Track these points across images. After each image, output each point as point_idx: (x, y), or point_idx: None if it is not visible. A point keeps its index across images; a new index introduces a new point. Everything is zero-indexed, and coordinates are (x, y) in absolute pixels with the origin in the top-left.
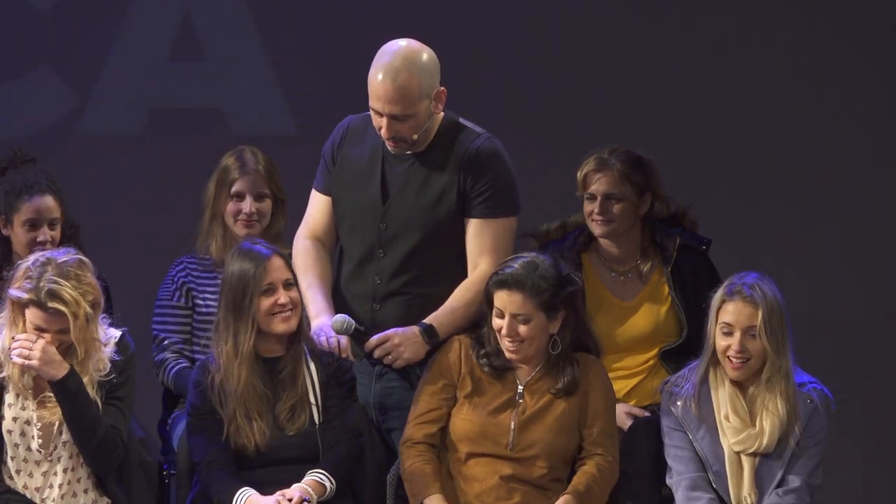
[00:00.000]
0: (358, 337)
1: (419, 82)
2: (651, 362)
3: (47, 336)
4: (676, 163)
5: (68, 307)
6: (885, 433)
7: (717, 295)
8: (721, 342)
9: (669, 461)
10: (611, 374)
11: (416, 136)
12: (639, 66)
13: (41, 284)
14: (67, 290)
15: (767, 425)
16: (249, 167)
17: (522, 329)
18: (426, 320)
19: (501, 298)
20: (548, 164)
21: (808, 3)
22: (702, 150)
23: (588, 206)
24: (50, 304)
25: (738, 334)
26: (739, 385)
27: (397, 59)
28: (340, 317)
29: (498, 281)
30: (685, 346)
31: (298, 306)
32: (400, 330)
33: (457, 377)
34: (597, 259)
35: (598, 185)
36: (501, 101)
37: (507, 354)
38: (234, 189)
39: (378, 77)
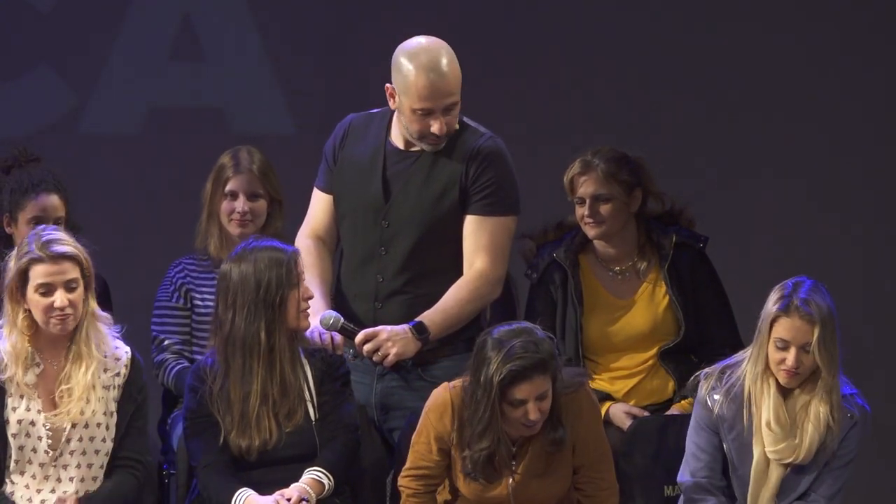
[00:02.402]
0: (347, 333)
1: (458, 67)
2: (650, 362)
3: (59, 297)
4: (675, 161)
5: (76, 248)
6: (885, 433)
7: (771, 307)
8: (775, 355)
9: (687, 455)
10: (609, 374)
11: (456, 125)
12: (638, 67)
13: (38, 244)
14: (68, 240)
15: (808, 438)
16: (244, 166)
17: (544, 405)
18: (418, 318)
19: (524, 390)
20: (546, 166)
21: (809, 3)
22: (701, 149)
23: (578, 210)
24: (52, 250)
25: (793, 350)
26: (784, 393)
27: (436, 51)
28: (329, 313)
29: (516, 375)
30: (683, 344)
31: None
32: (389, 326)
33: (450, 444)
34: (594, 258)
35: (585, 188)
36: (501, 102)
37: (526, 433)
38: (227, 188)
39: (429, 76)
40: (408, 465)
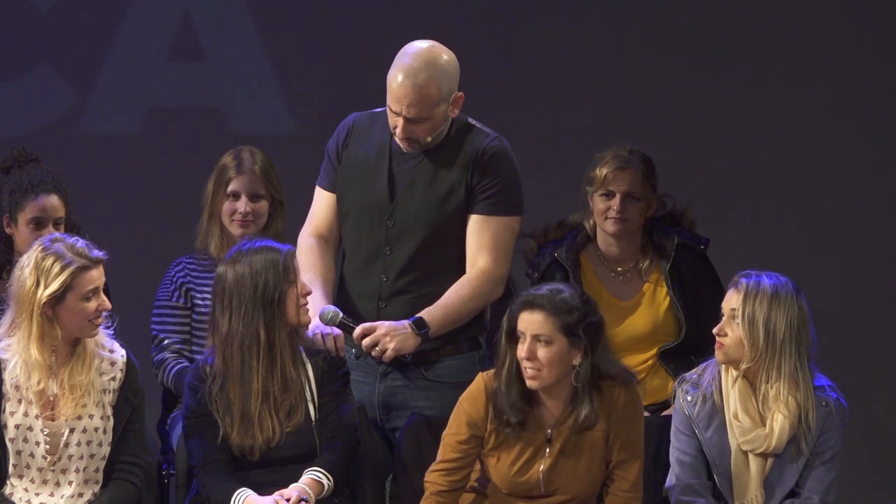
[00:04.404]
0: (346, 327)
1: (438, 86)
2: (650, 362)
3: (104, 300)
4: (676, 162)
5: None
6: (883, 434)
7: None
8: None
9: (672, 464)
10: None
11: (430, 139)
12: (640, 69)
13: (73, 252)
14: (90, 244)
15: (777, 425)
16: (246, 167)
17: (542, 352)
18: (419, 313)
19: (524, 320)
20: (548, 165)
21: (807, 5)
22: (701, 150)
23: (603, 204)
24: (95, 254)
25: (725, 318)
26: (751, 384)
27: (418, 60)
28: (328, 307)
29: (521, 302)
30: (684, 345)
31: None
32: (388, 321)
33: (484, 431)
34: (595, 258)
35: (620, 184)
36: (503, 103)
37: (528, 382)
38: (229, 188)
39: (398, 78)
40: (437, 460)
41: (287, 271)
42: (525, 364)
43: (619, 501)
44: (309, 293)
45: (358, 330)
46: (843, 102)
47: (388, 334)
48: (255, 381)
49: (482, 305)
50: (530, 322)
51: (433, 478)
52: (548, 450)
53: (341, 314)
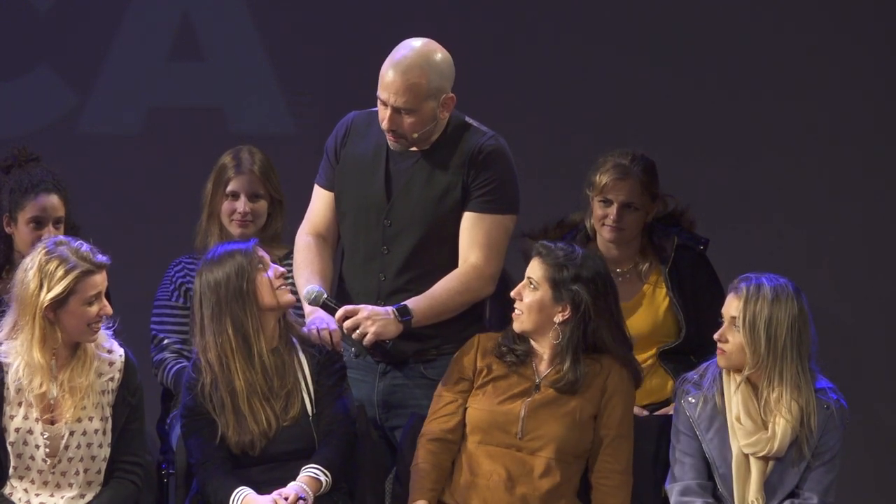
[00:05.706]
0: (329, 308)
1: (429, 80)
2: (649, 362)
3: (106, 305)
4: (676, 163)
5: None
6: (883, 434)
7: None
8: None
9: (672, 464)
10: None
11: (415, 135)
12: (640, 68)
13: (78, 256)
14: (94, 248)
15: (780, 429)
16: (245, 167)
17: (527, 295)
18: (404, 301)
19: (529, 264)
20: (547, 165)
21: (807, 7)
22: (701, 151)
23: (601, 210)
24: (99, 259)
25: (726, 324)
26: (753, 387)
27: (413, 53)
28: (312, 287)
29: (532, 251)
30: (683, 345)
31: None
32: (371, 306)
33: (472, 372)
34: None
35: (619, 194)
36: (502, 101)
37: (514, 323)
38: (229, 188)
39: (390, 66)
40: (430, 411)
41: (252, 262)
42: (516, 304)
43: (613, 483)
44: (283, 274)
45: (340, 311)
46: (842, 103)
47: (370, 318)
48: (237, 379)
49: (470, 301)
50: (530, 265)
51: (426, 429)
52: (534, 392)
53: (325, 294)
